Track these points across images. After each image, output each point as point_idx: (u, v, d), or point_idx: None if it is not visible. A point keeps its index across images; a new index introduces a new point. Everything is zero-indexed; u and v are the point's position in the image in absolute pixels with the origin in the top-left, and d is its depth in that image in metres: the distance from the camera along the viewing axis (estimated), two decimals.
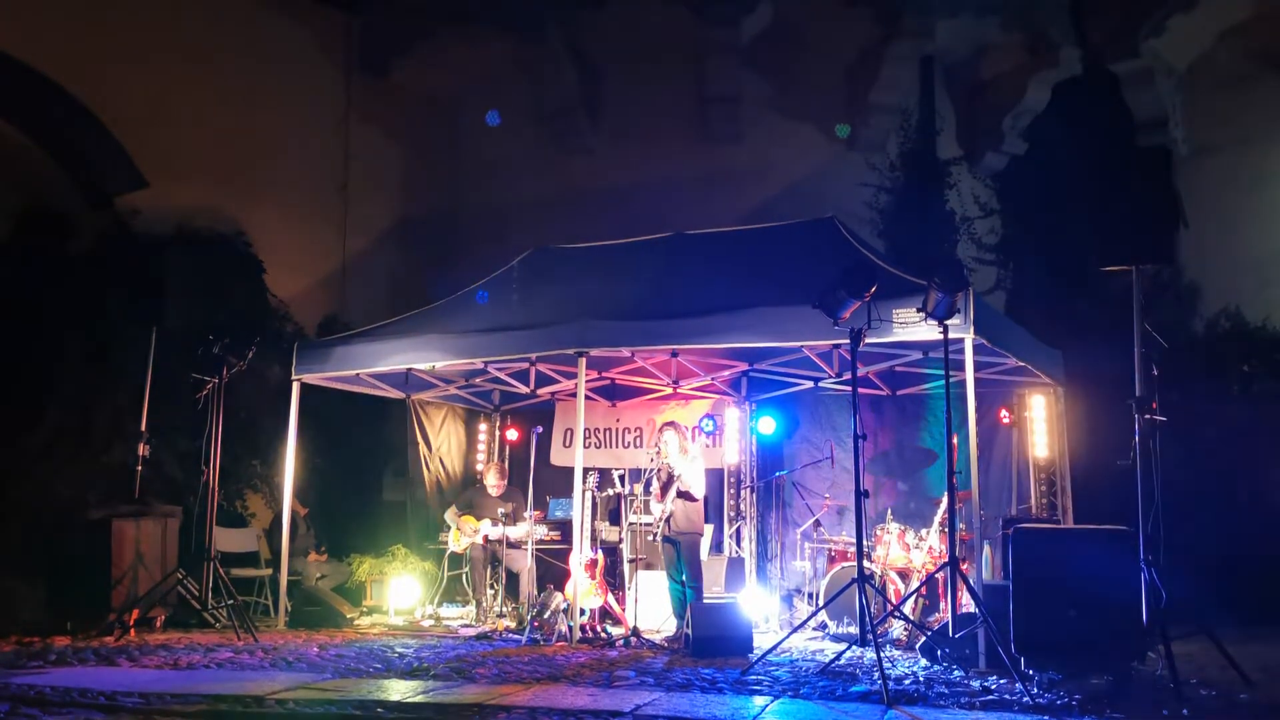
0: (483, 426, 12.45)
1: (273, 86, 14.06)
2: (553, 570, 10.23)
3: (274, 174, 14.01)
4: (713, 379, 11.16)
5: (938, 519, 9.04)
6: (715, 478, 10.92)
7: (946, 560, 7.47)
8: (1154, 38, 13.71)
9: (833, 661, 7.14)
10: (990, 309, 8.54)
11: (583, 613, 8.71)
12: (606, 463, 10.95)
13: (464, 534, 10.24)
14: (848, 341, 7.08)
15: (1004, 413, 10.43)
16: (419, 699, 6.04)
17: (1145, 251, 7.43)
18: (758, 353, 10.25)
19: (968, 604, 7.55)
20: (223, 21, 13.46)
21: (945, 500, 8.03)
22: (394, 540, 11.03)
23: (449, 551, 10.51)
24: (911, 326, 7.62)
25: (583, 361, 8.86)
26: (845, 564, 9.18)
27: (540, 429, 9.87)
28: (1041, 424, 10.39)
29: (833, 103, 14.81)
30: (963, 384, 7.67)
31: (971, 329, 7.54)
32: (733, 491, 11.25)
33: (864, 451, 7.20)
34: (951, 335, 7.21)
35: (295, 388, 10.08)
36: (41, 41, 11.57)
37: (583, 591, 8.72)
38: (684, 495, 8.65)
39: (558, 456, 11.74)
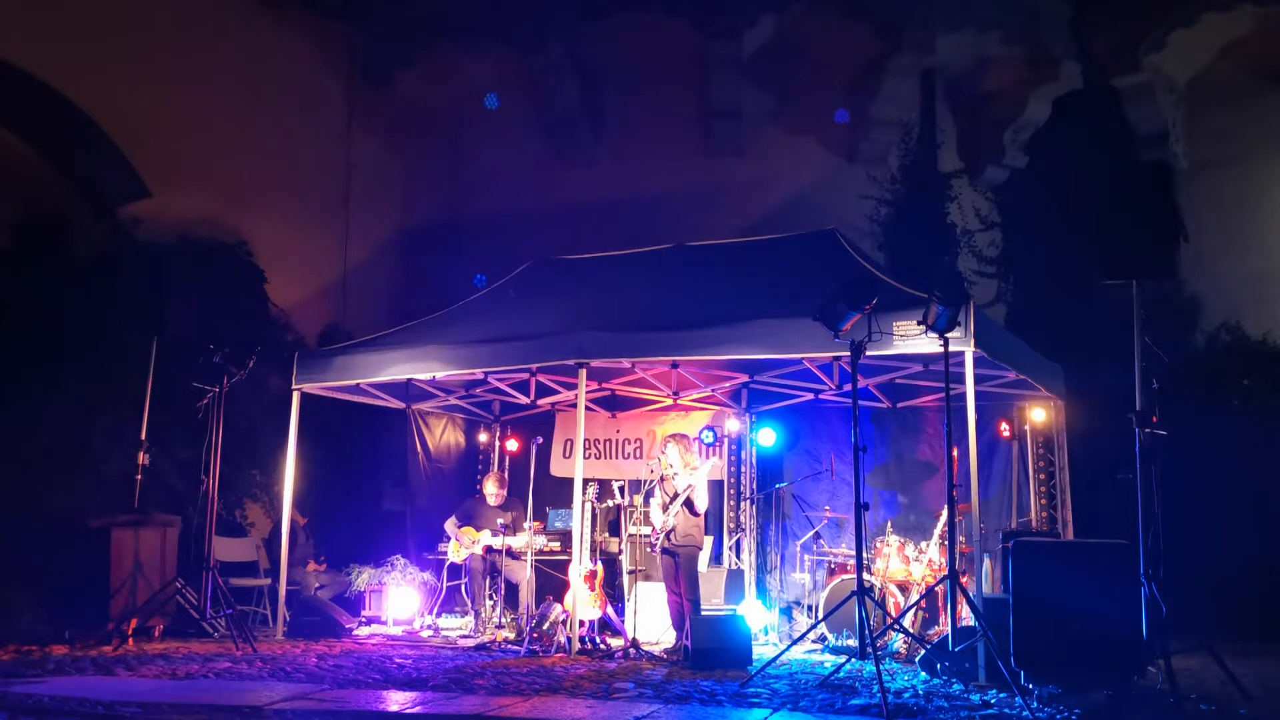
0: (483, 436, 12.44)
1: (275, 97, 14.09)
2: (552, 581, 10.21)
3: (276, 184, 14.03)
4: (713, 390, 11.15)
5: (937, 532, 9.05)
6: (715, 489, 10.89)
7: (946, 573, 7.46)
8: (1155, 52, 13.74)
9: (832, 674, 7.13)
10: (991, 322, 8.55)
11: (582, 624, 8.70)
12: (606, 474, 10.94)
13: (463, 545, 10.23)
14: (848, 354, 7.09)
15: (1004, 426, 10.42)
16: (417, 710, 6.03)
17: (1146, 265, 7.45)
18: (758, 364, 10.26)
19: (967, 617, 7.53)
20: (225, 32, 13.50)
21: (945, 513, 8.04)
22: (393, 550, 11.01)
23: (448, 562, 10.50)
24: (912, 339, 7.62)
25: (583, 372, 8.86)
26: (845, 576, 9.17)
27: (540, 439, 9.87)
28: (1042, 437, 10.40)
29: (834, 116, 14.82)
30: (963, 397, 7.67)
31: (972, 342, 7.54)
32: (732, 503, 11.25)
33: (864, 464, 7.20)
34: (952, 348, 7.21)
35: (295, 397, 10.07)
36: (45, 52, 11.59)
37: (582, 602, 8.71)
38: (688, 505, 8.63)
39: (557, 467, 11.73)
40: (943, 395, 7.19)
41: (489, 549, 10.13)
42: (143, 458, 9.60)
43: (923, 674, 7.33)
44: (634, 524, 9.77)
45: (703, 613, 8.59)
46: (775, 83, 15.02)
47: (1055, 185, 13.80)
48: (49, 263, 11.48)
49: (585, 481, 9.01)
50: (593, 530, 9.59)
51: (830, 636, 8.92)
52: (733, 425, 11.19)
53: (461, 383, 11.15)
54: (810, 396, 10.85)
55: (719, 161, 15.01)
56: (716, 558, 10.72)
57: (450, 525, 10.41)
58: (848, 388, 7.79)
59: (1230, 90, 13.75)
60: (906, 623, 8.28)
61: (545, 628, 8.96)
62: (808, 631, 8.41)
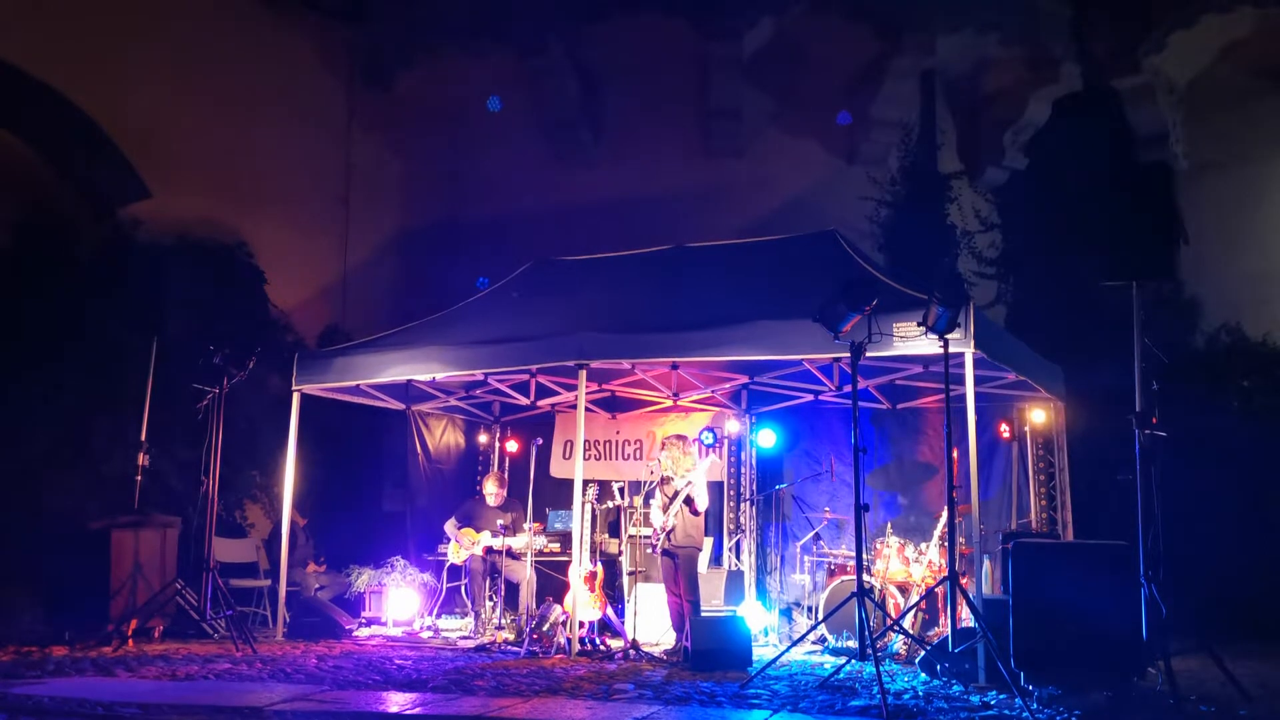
0: (483, 438, 12.44)
1: (275, 98, 14.10)
2: (552, 582, 10.21)
3: (276, 185, 14.04)
4: (713, 392, 11.15)
5: (937, 533, 9.05)
6: (715, 490, 10.88)
7: (946, 574, 7.46)
8: (1155, 54, 13.74)
9: (832, 675, 7.13)
10: (990, 323, 8.55)
11: (581, 625, 8.70)
12: (606, 475, 10.94)
13: (463, 546, 10.22)
14: (848, 355, 7.09)
15: (1004, 427, 10.42)
16: (417, 711, 6.04)
17: (1146, 267, 7.45)
18: (758, 366, 10.26)
19: (967, 618, 7.53)
20: (226, 33, 13.50)
21: (945, 514, 8.04)
22: (393, 551, 11.01)
23: (448, 563, 10.49)
24: (912, 340, 7.62)
25: (583, 373, 8.86)
26: (845, 578, 9.17)
27: (540, 441, 9.87)
28: (1041, 438, 10.40)
29: (834, 117, 14.83)
30: (963, 398, 7.67)
31: (972, 343, 7.54)
32: (732, 504, 11.24)
33: (864, 465, 7.20)
34: (952, 349, 7.21)
35: (295, 398, 10.07)
36: (45, 53, 11.60)
37: (582, 604, 8.71)
38: (688, 502, 8.63)
39: (557, 468, 11.73)
40: (943, 396, 7.19)
41: (489, 550, 10.13)
42: (143, 458, 9.60)
43: (923, 675, 7.34)
44: (634, 525, 9.77)
45: (702, 614, 8.59)
46: (775, 84, 15.02)
47: (1055, 187, 13.79)
48: (49, 263, 11.48)
49: (585, 483, 9.01)
50: (592, 531, 9.60)
51: (830, 638, 8.92)
52: (733, 426, 11.19)
53: (461, 384, 11.15)
54: (810, 398, 10.85)
55: (719, 162, 15.01)
56: (716, 559, 10.72)
57: (450, 526, 10.41)
58: (848, 389, 7.79)
59: (1230, 91, 13.76)
60: (906, 624, 8.28)
61: (545, 629, 8.96)
62: (807, 633, 8.41)
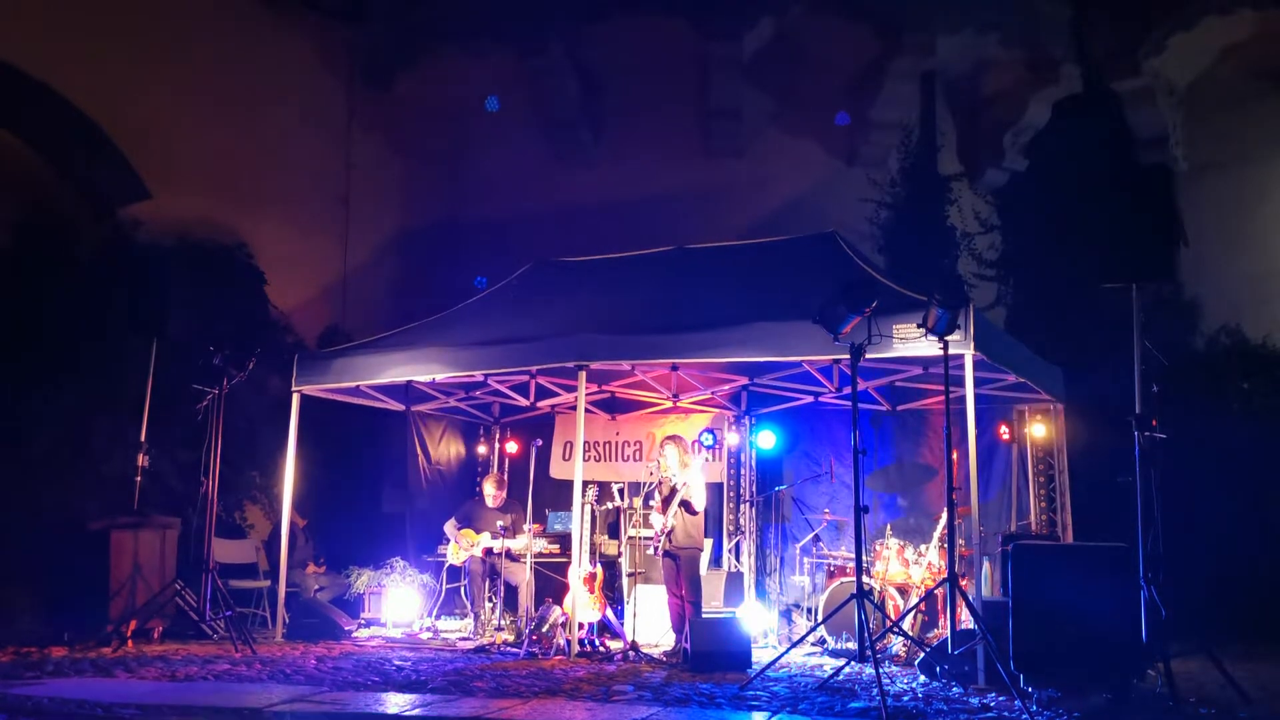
0: (482, 439, 12.44)
1: (275, 98, 14.08)
2: (551, 584, 10.21)
3: (276, 185, 14.03)
4: (713, 393, 11.15)
5: (937, 534, 9.04)
6: (715, 492, 10.91)
7: (946, 576, 7.46)
8: (1155, 56, 13.76)
9: (831, 677, 7.12)
10: (990, 325, 8.55)
11: (581, 626, 8.70)
12: (606, 476, 10.94)
13: (462, 547, 10.22)
14: (848, 356, 7.08)
15: (1004, 429, 10.42)
16: (416, 712, 6.03)
17: (1145, 268, 7.45)
18: (758, 367, 10.26)
19: (967, 620, 7.54)
20: (226, 33, 13.49)
21: (945, 516, 8.04)
22: (392, 552, 11.01)
23: (447, 564, 10.49)
24: (912, 342, 7.62)
25: (583, 375, 8.85)
26: (844, 579, 9.17)
27: (540, 442, 9.87)
28: (1041, 440, 10.40)
29: (833, 118, 14.84)
30: (962, 399, 7.67)
31: (971, 345, 7.54)
32: (732, 506, 11.24)
33: (864, 466, 7.19)
34: (951, 351, 7.21)
35: (295, 399, 10.07)
36: (45, 53, 11.59)
37: (581, 605, 8.71)
38: (684, 505, 8.63)
39: (557, 469, 11.73)
40: (942, 398, 7.19)
41: (488, 551, 10.13)
42: (142, 459, 9.61)
43: (922, 677, 7.33)
44: (633, 527, 9.77)
45: (702, 615, 8.58)
46: (775, 84, 15.03)
47: (1055, 188, 13.79)
48: (49, 263, 11.47)
49: (585, 484, 9.02)
50: (592, 533, 9.60)
51: (830, 639, 8.91)
52: (732, 428, 11.19)
53: (461, 385, 11.14)
54: (810, 399, 10.84)
55: (719, 163, 15.02)
56: (716, 560, 10.72)
57: (450, 527, 10.41)
58: (847, 390, 7.79)
59: (1230, 93, 13.77)
60: (906, 626, 8.28)
61: (544, 630, 8.96)
62: (807, 634, 8.41)
